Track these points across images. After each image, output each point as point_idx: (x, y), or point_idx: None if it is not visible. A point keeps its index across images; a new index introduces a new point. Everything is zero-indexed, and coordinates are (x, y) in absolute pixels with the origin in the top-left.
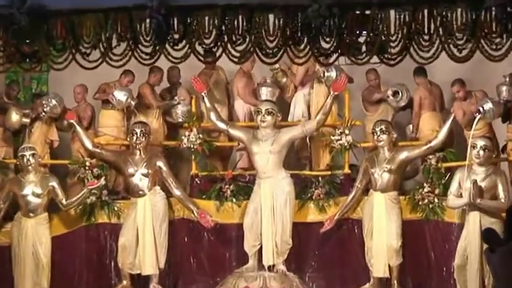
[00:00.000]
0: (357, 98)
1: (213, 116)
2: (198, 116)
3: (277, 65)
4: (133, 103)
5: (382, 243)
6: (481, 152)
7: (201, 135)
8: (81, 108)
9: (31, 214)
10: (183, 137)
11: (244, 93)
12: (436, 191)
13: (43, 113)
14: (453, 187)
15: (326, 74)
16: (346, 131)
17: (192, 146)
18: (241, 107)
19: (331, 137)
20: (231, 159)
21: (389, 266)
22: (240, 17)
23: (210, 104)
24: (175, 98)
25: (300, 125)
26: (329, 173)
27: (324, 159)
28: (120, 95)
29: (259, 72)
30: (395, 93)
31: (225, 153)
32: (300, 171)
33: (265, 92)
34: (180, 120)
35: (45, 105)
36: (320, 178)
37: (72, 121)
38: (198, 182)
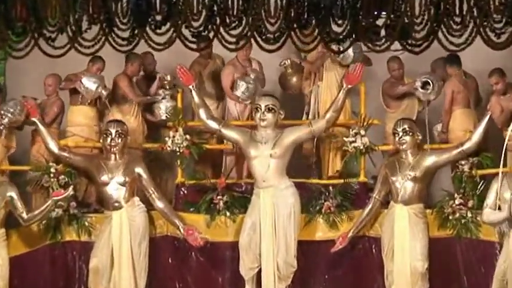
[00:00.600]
0: (375, 92)
1: (202, 113)
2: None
3: (287, 60)
4: (104, 93)
5: (404, 266)
6: None
7: (188, 136)
8: (49, 102)
9: None
10: (166, 139)
11: (226, 85)
12: (470, 204)
13: (1, 126)
14: (490, 199)
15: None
16: (362, 132)
17: (177, 149)
18: (233, 103)
19: (344, 139)
20: (225, 165)
21: None
22: None
23: (199, 99)
24: (161, 91)
25: (306, 124)
26: (341, 181)
27: (335, 165)
28: (89, 83)
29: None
30: (425, 84)
31: (218, 158)
32: (306, 179)
33: (241, 88)
34: (164, 117)
35: (3, 116)
36: (330, 187)
37: (35, 119)
38: (185, 192)
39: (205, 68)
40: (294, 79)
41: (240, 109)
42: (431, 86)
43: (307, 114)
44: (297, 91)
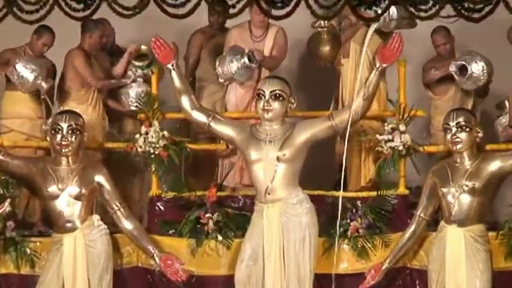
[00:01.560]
0: (417, 73)
1: (184, 101)
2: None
3: (323, 21)
4: (45, 86)
5: None
6: None
7: (166, 133)
8: None
9: None
10: (137, 136)
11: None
12: None
13: None
14: None
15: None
16: (402, 127)
17: (151, 151)
18: (234, 86)
19: (377, 136)
20: (220, 172)
21: None
22: None
23: (180, 82)
24: (130, 72)
25: (326, 116)
26: (374, 194)
27: (365, 172)
28: (25, 70)
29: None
30: (461, 69)
31: (208, 164)
32: (326, 191)
33: (227, 65)
34: (134, 107)
35: None
36: (359, 202)
37: None
38: (162, 208)
39: (209, 40)
40: (328, 48)
41: (239, 95)
42: (470, 71)
43: (337, 100)
44: (328, 63)
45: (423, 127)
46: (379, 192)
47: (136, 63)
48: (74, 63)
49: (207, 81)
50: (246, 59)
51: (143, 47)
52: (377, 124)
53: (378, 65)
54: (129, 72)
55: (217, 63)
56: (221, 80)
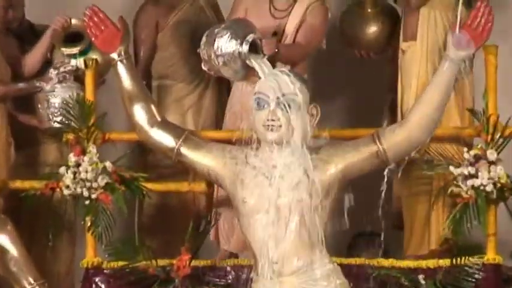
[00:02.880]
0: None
1: (137, 112)
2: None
3: None
4: None
5: None
6: None
7: (109, 165)
8: None
9: None
10: (61, 171)
11: None
12: None
13: None
14: None
15: None
16: (492, 154)
17: (85, 194)
18: (237, 90)
19: (451, 169)
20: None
21: None
22: None
23: (131, 83)
24: (52, 69)
25: (368, 137)
26: (445, 262)
27: (433, 227)
28: None
29: None
30: None
31: (176, 213)
32: (368, 260)
33: (227, 51)
34: (55, 124)
35: None
36: (421, 277)
37: None
38: (102, 286)
39: (168, 15)
40: (375, 28)
41: (246, 99)
42: None
43: (393, 110)
44: (375, 52)
45: None
46: (454, 260)
47: (64, 49)
48: None
49: (171, 79)
50: (244, 49)
51: (75, 22)
52: (452, 149)
53: (450, 54)
54: (51, 70)
55: (204, 39)
56: (205, 67)
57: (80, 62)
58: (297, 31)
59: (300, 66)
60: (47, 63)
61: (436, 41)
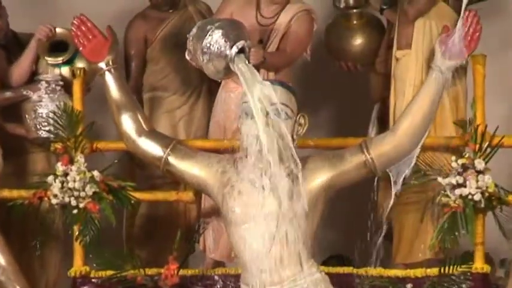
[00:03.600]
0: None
1: (125, 121)
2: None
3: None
4: None
5: None
6: None
7: (97, 174)
8: None
9: None
10: (49, 180)
11: None
12: None
13: None
14: None
15: None
16: (480, 163)
17: (73, 203)
18: (222, 92)
19: (439, 180)
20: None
21: None
22: None
23: (118, 92)
24: (42, 77)
25: (356, 146)
26: (433, 271)
27: (422, 237)
28: None
29: None
30: None
31: (164, 223)
32: (356, 269)
33: (213, 48)
34: (44, 134)
35: None
36: (409, 286)
37: None
38: None
39: (157, 28)
40: (359, 40)
41: (228, 104)
42: None
43: (382, 120)
44: (361, 65)
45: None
46: (442, 269)
47: (49, 59)
48: None
49: (163, 91)
50: (232, 53)
51: (60, 30)
52: (441, 158)
53: (438, 63)
54: (42, 83)
55: (194, 30)
56: (188, 57)
57: (66, 71)
58: (282, 39)
59: (284, 73)
60: (33, 73)
61: (431, 50)
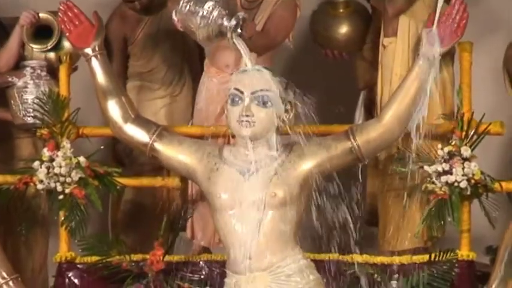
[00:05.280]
0: (492, 61)
1: (112, 107)
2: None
3: None
4: None
5: None
6: None
7: (82, 160)
8: None
9: None
10: (35, 165)
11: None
12: None
13: None
14: None
15: None
16: (466, 151)
17: (59, 189)
18: (206, 80)
19: (426, 168)
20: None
21: None
22: None
23: (105, 78)
24: (28, 62)
25: (342, 133)
26: (419, 258)
27: (408, 224)
28: None
29: None
30: None
31: (150, 209)
32: (342, 255)
33: (209, 16)
34: (30, 120)
35: None
36: (397, 273)
37: None
38: (75, 280)
39: (137, 29)
40: (345, 29)
41: (210, 90)
42: None
43: (368, 108)
44: (348, 52)
45: (503, 151)
46: (429, 257)
47: (34, 46)
48: None
49: (145, 81)
50: (231, 23)
51: (43, 16)
52: (426, 147)
53: (424, 50)
54: (27, 69)
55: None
56: (175, 18)
57: (52, 56)
58: (265, 23)
59: (267, 58)
60: (21, 58)
61: (417, 37)
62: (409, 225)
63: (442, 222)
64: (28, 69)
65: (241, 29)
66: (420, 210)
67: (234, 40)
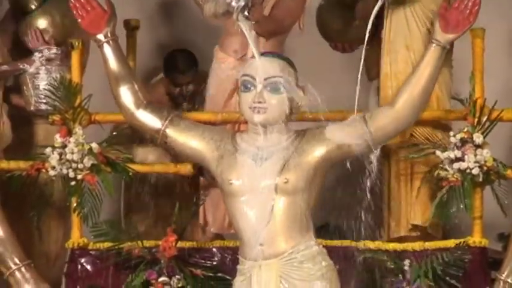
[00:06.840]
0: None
1: (124, 93)
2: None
3: None
4: None
5: None
6: None
7: (95, 146)
8: None
9: None
10: (47, 151)
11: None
12: None
13: None
14: None
15: None
16: (478, 138)
17: (71, 175)
18: (217, 67)
19: (437, 153)
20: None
21: None
22: None
23: (117, 64)
24: (42, 48)
25: (356, 119)
26: (431, 245)
27: (416, 212)
28: None
29: None
30: None
31: (162, 194)
32: (355, 242)
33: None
34: (42, 106)
35: None
36: (407, 261)
37: None
38: (88, 267)
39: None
40: (356, 21)
41: (220, 77)
42: None
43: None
44: (358, 45)
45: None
46: (440, 243)
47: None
48: None
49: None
50: (240, 4)
51: None
52: (438, 133)
53: (437, 37)
54: (35, 54)
55: None
56: None
57: (43, 25)
58: (273, 8)
59: (277, 44)
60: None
61: (402, 31)
62: (415, 209)
63: (455, 209)
64: (36, 54)
65: (248, 12)
66: (429, 198)
67: (240, 22)
